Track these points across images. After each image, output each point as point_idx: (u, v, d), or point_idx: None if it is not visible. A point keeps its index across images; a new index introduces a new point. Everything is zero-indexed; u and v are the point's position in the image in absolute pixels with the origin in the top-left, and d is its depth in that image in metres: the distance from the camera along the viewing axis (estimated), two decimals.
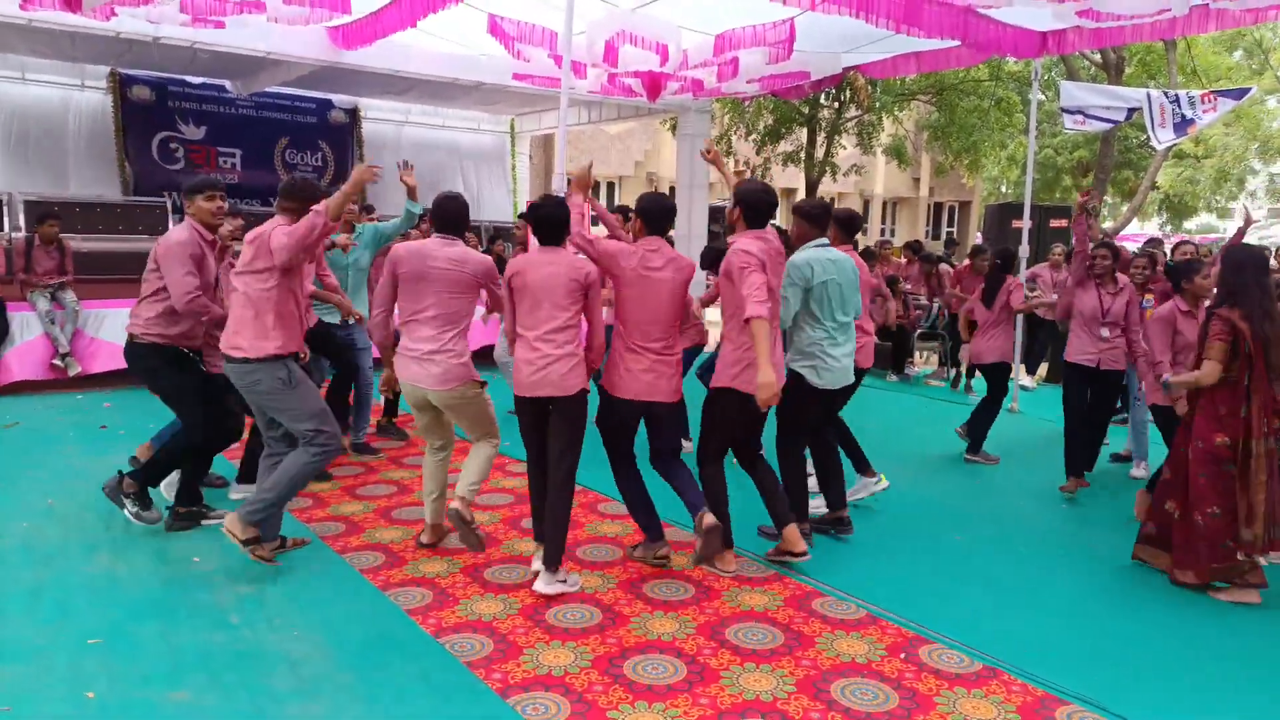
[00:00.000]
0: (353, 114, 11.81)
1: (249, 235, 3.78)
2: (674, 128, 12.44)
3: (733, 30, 7.49)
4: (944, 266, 10.43)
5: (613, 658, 3.20)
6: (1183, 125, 8.01)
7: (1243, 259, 4.00)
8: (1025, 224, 8.43)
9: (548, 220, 3.73)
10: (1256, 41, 21.54)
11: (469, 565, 4.01)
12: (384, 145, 12.05)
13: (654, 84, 8.35)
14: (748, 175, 4.23)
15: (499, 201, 13.33)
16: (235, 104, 10.79)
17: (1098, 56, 15.53)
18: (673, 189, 12.33)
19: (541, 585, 3.69)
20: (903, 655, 3.30)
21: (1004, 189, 27.61)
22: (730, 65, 8.09)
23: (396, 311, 3.98)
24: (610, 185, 25.06)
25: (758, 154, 16.91)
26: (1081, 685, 3.09)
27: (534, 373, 3.64)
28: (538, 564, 3.75)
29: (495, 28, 7.23)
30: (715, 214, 13.08)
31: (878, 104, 15.80)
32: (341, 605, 3.58)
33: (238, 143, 10.90)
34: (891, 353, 9.77)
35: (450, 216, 3.91)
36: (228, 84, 10.49)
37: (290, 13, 6.70)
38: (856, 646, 3.36)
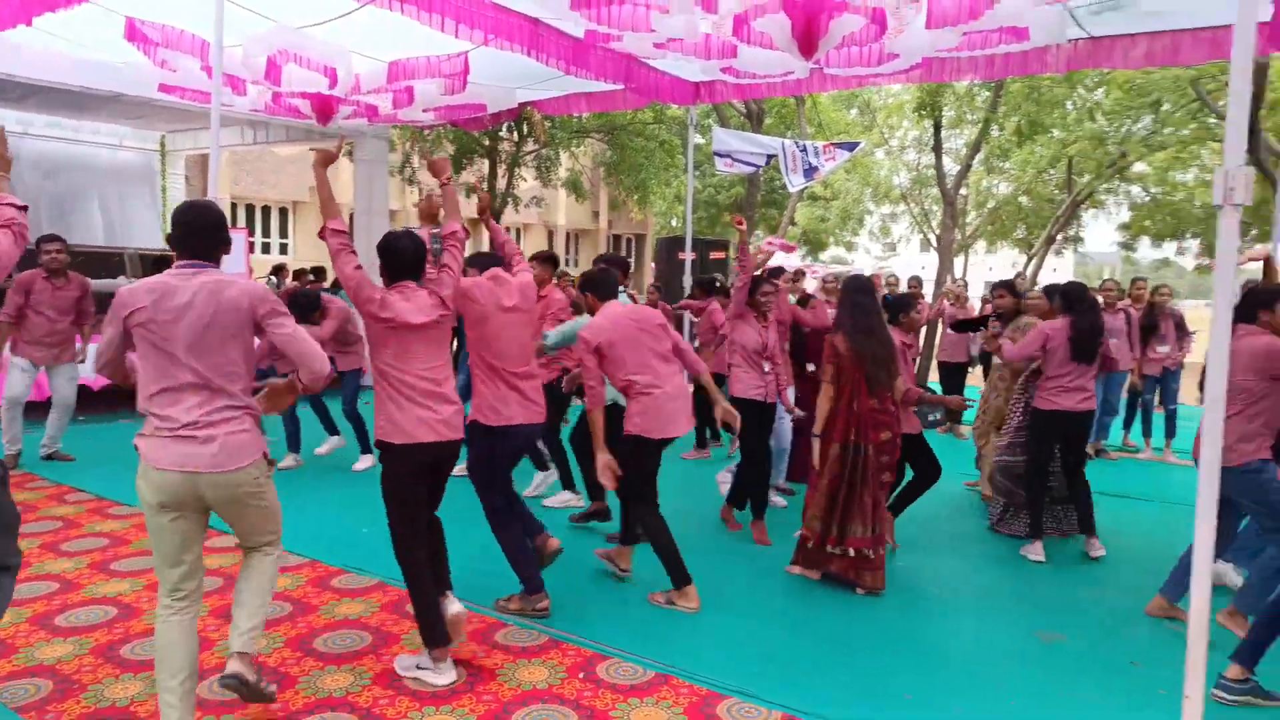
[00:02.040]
0: None
1: None
2: (350, 153, 11.98)
3: (406, 59, 7.39)
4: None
5: None
6: (810, 171, 9.23)
7: (847, 285, 4.63)
8: (688, 256, 9.20)
9: (398, 254, 3.36)
10: (866, 102, 25.46)
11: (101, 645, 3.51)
12: None
13: (324, 107, 7.97)
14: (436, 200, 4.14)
15: (146, 226, 11.91)
16: None
17: (743, 107, 17.41)
18: (353, 215, 11.82)
19: None
20: (581, 675, 3.41)
21: (674, 223, 29.94)
22: (405, 93, 7.97)
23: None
24: (283, 211, 23.46)
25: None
26: (741, 681, 3.39)
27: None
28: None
29: (134, 32, 6.48)
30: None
31: (554, 139, 16.41)
32: None
33: None
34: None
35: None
36: None
37: None
38: (538, 673, 3.41)
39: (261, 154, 19.22)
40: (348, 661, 3.46)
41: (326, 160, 3.37)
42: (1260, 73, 9.47)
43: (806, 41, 4.57)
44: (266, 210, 23.10)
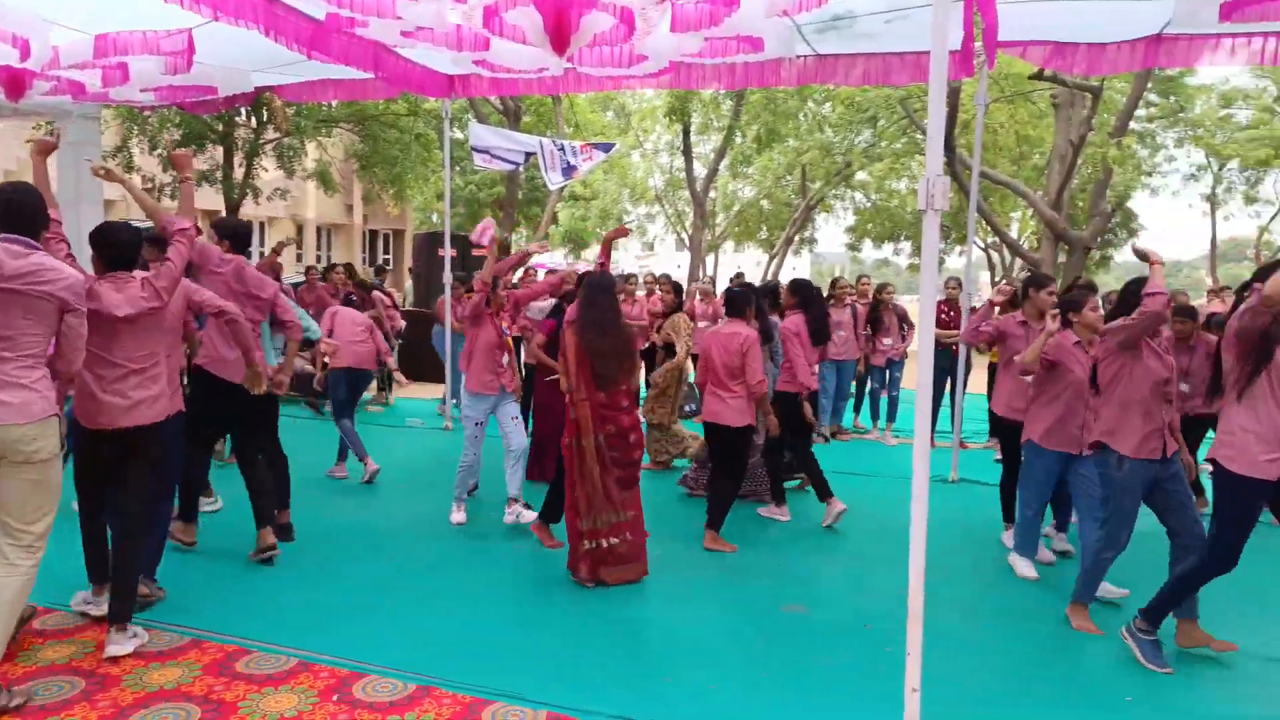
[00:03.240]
0: None
1: None
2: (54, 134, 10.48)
3: (117, 33, 6.58)
4: (376, 294, 10.55)
5: None
6: (569, 170, 9.33)
7: (586, 282, 4.64)
8: (448, 253, 8.98)
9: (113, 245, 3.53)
10: (621, 106, 26.26)
11: None
12: None
13: (15, 81, 6.91)
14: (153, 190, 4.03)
15: None
16: None
17: (500, 103, 17.30)
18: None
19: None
20: (336, 698, 3.21)
21: (435, 219, 29.18)
22: (118, 70, 7.10)
23: None
24: None
25: (165, 171, 15.20)
26: (506, 684, 3.34)
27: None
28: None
29: None
30: None
31: (299, 127, 15.41)
32: None
33: None
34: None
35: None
36: None
37: None
38: (285, 701, 3.17)
39: None
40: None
41: (45, 149, 3.55)
42: (954, 95, 10.80)
43: (558, 37, 4.58)
44: None
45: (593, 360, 4.36)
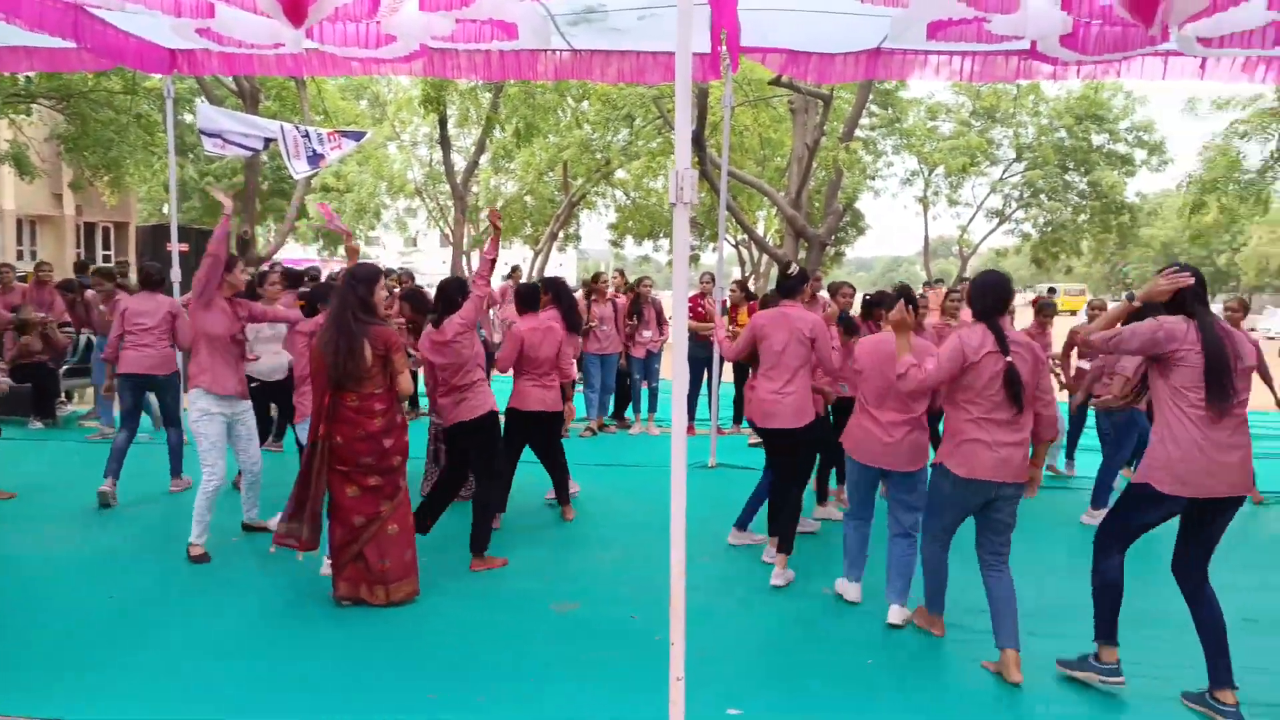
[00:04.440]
0: None
1: None
2: None
3: None
4: (90, 294, 9.32)
5: None
6: (315, 159, 8.70)
7: (349, 274, 4.21)
8: (175, 247, 8.08)
9: None
10: (376, 95, 25.08)
11: None
12: None
13: None
14: None
15: None
16: None
17: (234, 84, 15.89)
18: None
19: None
20: None
21: (166, 210, 26.32)
22: None
23: None
24: None
25: None
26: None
27: None
28: None
29: None
30: None
31: None
32: None
33: None
34: (32, 395, 8.33)
35: None
36: None
37: None
38: None
39: None
40: None
41: None
42: (703, 97, 11.30)
43: (293, 7, 4.22)
44: None
45: (324, 357, 4.03)
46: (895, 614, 4.10)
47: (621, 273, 9.32)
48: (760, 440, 5.09)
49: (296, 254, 31.06)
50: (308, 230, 28.22)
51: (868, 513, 4.38)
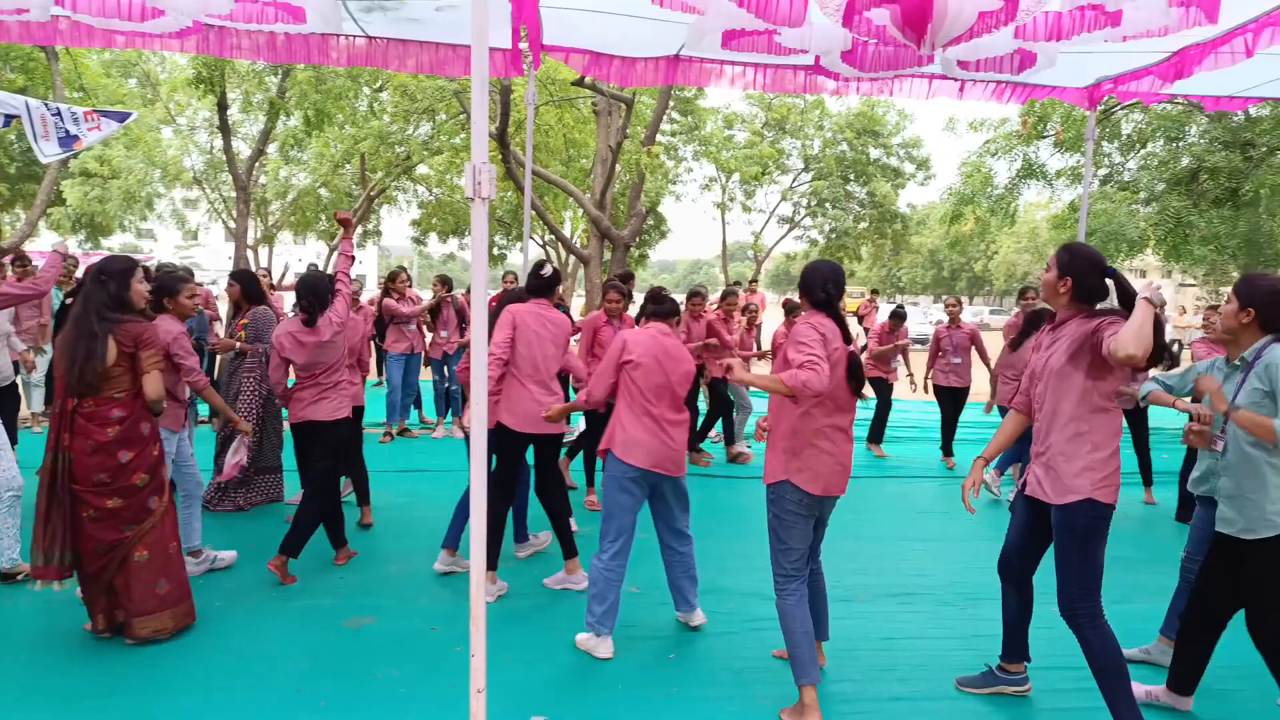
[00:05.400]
0: None
1: None
2: None
3: None
4: None
5: None
6: (68, 140, 7.77)
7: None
8: None
9: None
10: (147, 74, 22.83)
11: None
12: None
13: None
14: None
15: None
16: None
17: None
18: None
19: None
20: None
21: None
22: None
23: None
24: None
25: None
26: None
27: None
28: None
29: None
30: None
31: None
32: None
33: None
34: None
35: None
36: None
37: None
38: None
39: None
40: None
41: None
42: (506, 94, 11.14)
43: None
44: None
45: (61, 361, 3.61)
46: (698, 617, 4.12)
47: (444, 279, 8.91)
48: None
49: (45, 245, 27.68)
50: (64, 219, 25.27)
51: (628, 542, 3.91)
